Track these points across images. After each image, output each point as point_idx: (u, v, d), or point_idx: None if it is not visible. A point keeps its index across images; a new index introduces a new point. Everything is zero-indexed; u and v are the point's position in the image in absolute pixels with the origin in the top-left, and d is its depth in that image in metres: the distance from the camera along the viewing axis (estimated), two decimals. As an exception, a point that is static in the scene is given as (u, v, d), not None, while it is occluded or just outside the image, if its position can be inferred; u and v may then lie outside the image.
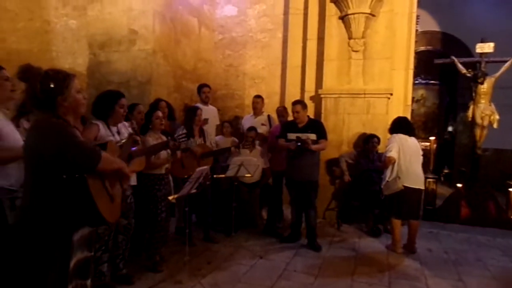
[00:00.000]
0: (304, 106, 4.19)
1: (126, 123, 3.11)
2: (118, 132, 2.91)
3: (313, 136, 4.06)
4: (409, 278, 3.43)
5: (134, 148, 2.73)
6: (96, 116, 2.85)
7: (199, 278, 3.19)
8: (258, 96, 5.31)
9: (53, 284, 1.66)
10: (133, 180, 3.08)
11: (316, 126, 4.21)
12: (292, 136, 4.12)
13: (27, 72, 1.70)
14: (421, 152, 4.11)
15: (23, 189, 1.84)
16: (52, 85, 1.69)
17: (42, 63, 1.81)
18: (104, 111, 2.84)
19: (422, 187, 4.08)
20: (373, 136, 4.86)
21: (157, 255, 3.44)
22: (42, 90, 1.68)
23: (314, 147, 4.02)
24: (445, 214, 5.54)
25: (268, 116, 5.32)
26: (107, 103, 2.85)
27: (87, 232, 1.82)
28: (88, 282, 1.91)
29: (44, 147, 1.63)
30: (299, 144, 3.97)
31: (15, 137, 2.12)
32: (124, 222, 3.03)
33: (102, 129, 2.76)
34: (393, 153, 3.96)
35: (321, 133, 4.16)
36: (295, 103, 4.20)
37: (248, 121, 5.32)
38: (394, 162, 3.97)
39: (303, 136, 4.01)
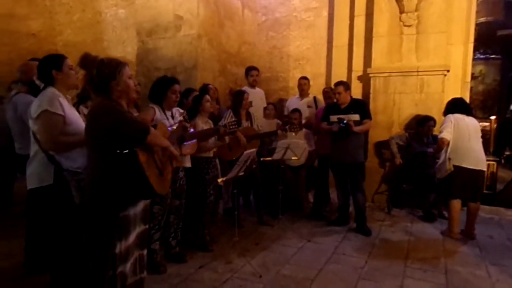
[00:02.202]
0: (347, 87, 4.05)
1: (180, 109, 3.21)
2: (172, 116, 3.03)
3: (355, 117, 3.93)
4: (468, 265, 3.24)
5: (191, 130, 2.84)
6: (152, 101, 2.98)
7: (248, 259, 3.24)
8: (304, 78, 5.21)
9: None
10: (187, 162, 3.17)
11: (359, 106, 4.07)
12: (334, 118, 4.01)
13: (86, 60, 1.83)
14: (480, 133, 3.81)
15: (86, 172, 1.98)
16: (106, 71, 1.85)
17: (95, 53, 1.94)
18: (158, 96, 2.97)
19: (484, 169, 3.80)
20: (429, 119, 4.57)
21: (207, 235, 3.55)
22: (98, 75, 1.84)
23: (356, 129, 3.89)
24: (506, 199, 5.14)
25: (314, 97, 5.20)
26: (161, 89, 2.97)
27: (142, 207, 1.99)
28: (145, 252, 2.09)
29: (99, 126, 1.80)
30: (341, 125, 3.85)
31: (79, 122, 2.24)
32: (177, 203, 3.15)
33: (158, 112, 2.89)
34: (444, 134, 3.75)
35: (365, 113, 4.02)
36: (336, 84, 4.08)
37: (293, 103, 5.25)
38: (448, 144, 3.74)
39: (345, 117, 3.89)
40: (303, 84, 5.13)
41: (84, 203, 1.89)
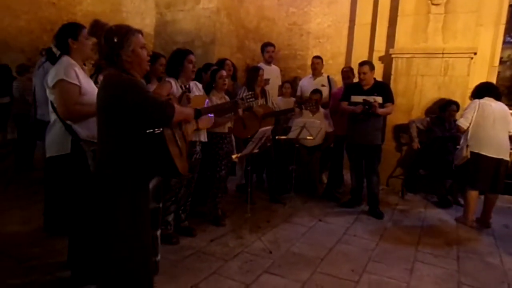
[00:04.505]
0: (372, 68, 3.93)
1: (198, 83, 3.17)
2: (189, 90, 2.98)
3: (379, 99, 3.84)
4: (481, 253, 3.20)
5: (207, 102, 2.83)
6: (169, 74, 2.95)
7: (259, 235, 3.28)
8: (317, 57, 5.10)
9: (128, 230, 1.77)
10: (203, 137, 3.16)
11: (383, 88, 3.97)
12: (356, 99, 3.92)
13: (95, 27, 1.73)
14: (510, 119, 3.66)
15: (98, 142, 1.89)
16: (115, 40, 1.70)
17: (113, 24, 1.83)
18: (175, 69, 2.93)
19: (506, 158, 3.66)
20: (451, 103, 4.43)
21: (219, 209, 3.59)
22: (106, 44, 1.71)
23: (380, 111, 3.82)
24: (527, 189, 5.00)
25: (328, 77, 5.10)
26: (177, 60, 2.92)
27: (155, 184, 1.91)
28: (158, 232, 2.04)
29: (120, 102, 1.65)
30: (366, 107, 3.76)
31: (94, 92, 2.24)
32: (189, 176, 3.16)
33: (174, 86, 2.85)
34: (461, 121, 3.69)
35: (388, 97, 3.92)
36: (362, 63, 3.95)
37: (306, 83, 5.16)
38: (467, 130, 3.66)
39: (370, 99, 3.80)
40: (316, 63, 5.03)
41: (98, 178, 1.78)
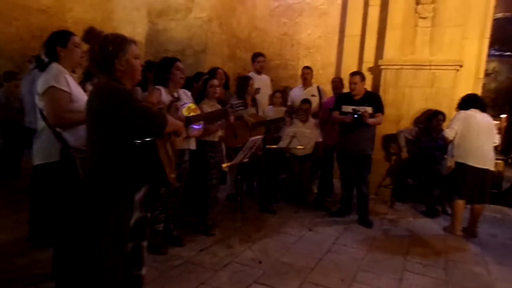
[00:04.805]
0: (363, 78, 3.99)
1: (187, 91, 3.17)
2: (178, 98, 2.97)
3: (369, 110, 3.89)
4: (468, 262, 3.24)
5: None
6: (157, 83, 2.94)
7: (249, 244, 3.26)
8: (307, 67, 5.17)
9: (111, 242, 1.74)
10: (192, 145, 3.16)
11: (373, 99, 4.02)
12: (347, 108, 3.97)
13: (90, 34, 1.73)
14: (495, 131, 3.75)
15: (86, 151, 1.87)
16: (110, 48, 1.69)
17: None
18: (163, 76, 2.92)
19: (491, 168, 3.74)
20: (438, 113, 4.53)
21: (209, 219, 3.56)
22: (101, 52, 1.70)
23: (370, 121, 3.86)
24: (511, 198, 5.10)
25: (318, 87, 5.16)
26: (165, 68, 2.92)
27: (143, 193, 1.86)
28: (145, 243, 1.96)
29: (112, 111, 1.64)
30: (355, 116, 3.81)
31: (84, 99, 2.22)
32: (177, 185, 3.12)
33: (164, 94, 2.84)
34: (448, 132, 3.78)
35: (378, 107, 3.97)
36: (353, 74, 4.01)
37: (297, 92, 5.20)
38: (451, 141, 3.75)
39: (361, 109, 3.85)
40: (306, 73, 5.08)
41: (86, 187, 1.76)
